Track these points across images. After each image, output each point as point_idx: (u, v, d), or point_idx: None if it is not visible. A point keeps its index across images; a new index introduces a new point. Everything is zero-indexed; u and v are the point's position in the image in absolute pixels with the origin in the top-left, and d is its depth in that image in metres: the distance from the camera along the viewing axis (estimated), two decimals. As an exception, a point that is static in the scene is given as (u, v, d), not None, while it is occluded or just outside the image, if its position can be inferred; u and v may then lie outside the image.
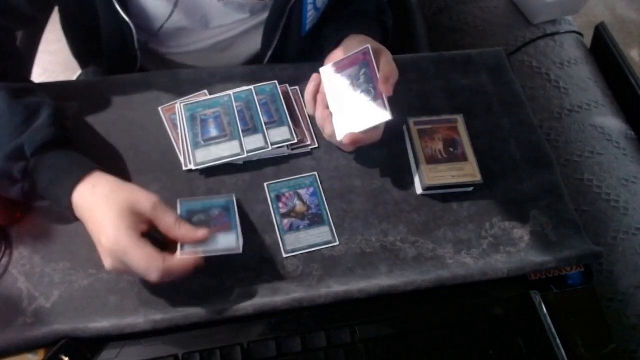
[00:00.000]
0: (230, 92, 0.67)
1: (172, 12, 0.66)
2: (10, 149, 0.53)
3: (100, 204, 0.52)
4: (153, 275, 0.50)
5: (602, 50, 0.97)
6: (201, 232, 0.53)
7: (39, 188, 0.54)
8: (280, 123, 0.66)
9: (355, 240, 0.61)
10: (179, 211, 0.57)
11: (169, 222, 0.53)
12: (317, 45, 0.74)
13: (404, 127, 0.69)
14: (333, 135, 0.63)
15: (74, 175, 0.54)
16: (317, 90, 0.66)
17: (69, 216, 0.55)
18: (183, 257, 0.52)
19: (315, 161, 0.66)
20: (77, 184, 0.53)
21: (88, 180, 0.54)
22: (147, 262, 0.50)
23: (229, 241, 0.55)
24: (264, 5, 0.71)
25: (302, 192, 0.63)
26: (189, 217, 0.56)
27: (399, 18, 0.85)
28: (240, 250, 0.55)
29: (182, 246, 0.53)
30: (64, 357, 0.51)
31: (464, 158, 0.64)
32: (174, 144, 0.65)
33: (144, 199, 0.53)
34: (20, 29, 0.68)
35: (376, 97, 0.61)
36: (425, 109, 0.72)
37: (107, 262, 0.51)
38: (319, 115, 0.65)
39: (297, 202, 0.63)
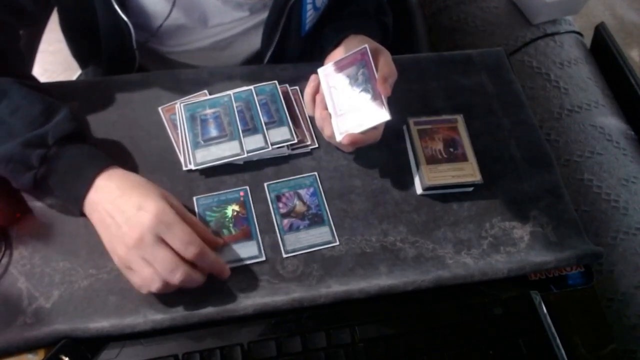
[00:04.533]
0: (230, 92, 0.67)
1: (171, 10, 0.66)
2: (32, 135, 0.54)
3: (136, 186, 0.54)
4: (191, 250, 0.51)
5: (602, 50, 0.97)
6: (220, 240, 0.58)
7: (54, 176, 0.54)
8: (280, 123, 0.66)
9: (355, 240, 0.61)
10: (196, 208, 0.60)
11: (196, 220, 0.57)
12: (317, 45, 0.74)
13: (404, 127, 0.69)
14: (332, 135, 0.63)
15: (98, 162, 0.56)
16: (316, 91, 0.66)
17: (74, 210, 0.55)
18: (218, 241, 0.58)
19: (315, 161, 0.66)
20: (102, 170, 0.55)
21: (114, 169, 0.56)
22: (190, 235, 0.52)
23: (251, 250, 0.59)
24: (264, 4, 0.71)
25: (302, 192, 0.63)
26: (204, 213, 0.60)
27: (399, 18, 0.85)
28: (264, 258, 0.58)
29: None
30: (64, 357, 0.51)
31: (464, 158, 0.64)
32: (174, 144, 0.65)
33: (172, 195, 0.56)
34: (23, 27, 0.68)
35: (375, 97, 0.61)
36: (425, 109, 0.72)
37: (137, 242, 0.50)
38: (318, 116, 0.65)
39: (297, 202, 0.63)
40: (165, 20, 0.68)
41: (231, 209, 0.61)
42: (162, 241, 0.51)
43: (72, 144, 0.56)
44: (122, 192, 0.53)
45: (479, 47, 0.87)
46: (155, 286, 0.51)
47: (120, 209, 0.52)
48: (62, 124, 0.56)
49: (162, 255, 0.50)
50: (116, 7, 0.63)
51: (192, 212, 0.60)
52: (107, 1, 0.63)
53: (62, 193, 0.56)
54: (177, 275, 0.51)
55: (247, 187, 0.62)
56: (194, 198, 0.61)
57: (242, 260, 0.58)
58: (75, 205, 0.55)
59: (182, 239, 0.51)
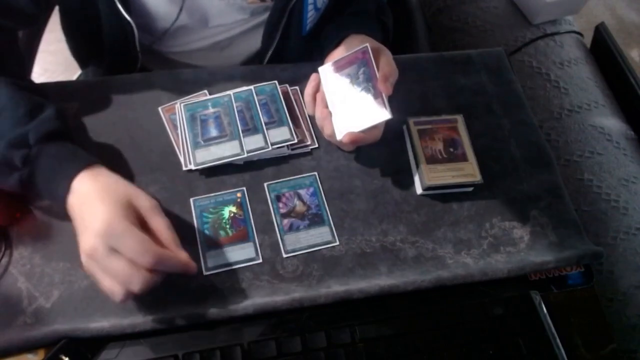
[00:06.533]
0: (230, 92, 0.67)
1: (179, 13, 0.66)
2: (15, 135, 0.53)
3: (100, 192, 0.51)
4: (145, 259, 0.48)
5: (602, 50, 0.97)
6: (183, 256, 0.51)
7: (38, 177, 0.53)
8: (280, 123, 0.66)
9: (355, 240, 0.61)
10: (192, 209, 0.60)
11: (163, 225, 0.52)
12: (317, 45, 0.74)
13: (404, 127, 0.69)
14: (333, 134, 0.63)
15: (76, 164, 0.53)
16: (317, 90, 0.66)
17: (62, 211, 0.54)
18: (180, 254, 0.51)
19: (315, 161, 0.66)
20: (79, 171, 0.52)
21: (90, 170, 0.53)
22: (142, 245, 0.48)
23: (248, 252, 0.59)
24: (265, 6, 0.71)
25: (302, 192, 0.63)
26: (201, 215, 0.60)
27: (399, 18, 0.85)
28: (261, 260, 0.58)
29: (205, 265, 0.57)
30: (64, 357, 0.51)
31: (464, 158, 0.64)
32: (174, 144, 0.65)
33: (144, 197, 0.53)
34: (22, 28, 0.68)
35: (375, 96, 0.61)
36: (425, 109, 0.72)
37: (91, 252, 0.48)
38: (318, 114, 0.65)
39: (297, 202, 0.63)
40: (172, 23, 0.67)
41: (228, 210, 0.61)
42: (115, 251, 0.48)
43: (55, 142, 0.55)
44: (87, 198, 0.51)
45: (479, 47, 0.87)
46: (118, 297, 0.49)
47: (82, 217, 0.51)
48: (45, 123, 0.55)
49: (115, 266, 0.48)
50: (119, 7, 0.63)
51: (189, 213, 0.60)
52: (111, 1, 0.63)
53: (47, 194, 0.55)
54: (135, 285, 0.48)
55: (244, 189, 0.62)
56: (191, 199, 0.61)
57: (238, 262, 0.58)
58: (60, 207, 0.54)
59: (133, 248, 0.48)
